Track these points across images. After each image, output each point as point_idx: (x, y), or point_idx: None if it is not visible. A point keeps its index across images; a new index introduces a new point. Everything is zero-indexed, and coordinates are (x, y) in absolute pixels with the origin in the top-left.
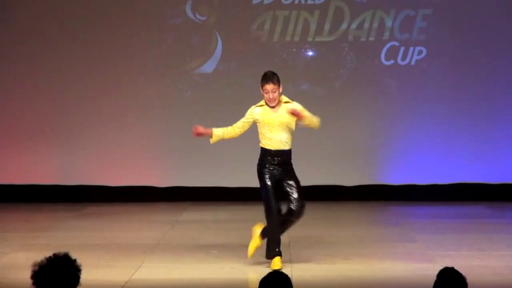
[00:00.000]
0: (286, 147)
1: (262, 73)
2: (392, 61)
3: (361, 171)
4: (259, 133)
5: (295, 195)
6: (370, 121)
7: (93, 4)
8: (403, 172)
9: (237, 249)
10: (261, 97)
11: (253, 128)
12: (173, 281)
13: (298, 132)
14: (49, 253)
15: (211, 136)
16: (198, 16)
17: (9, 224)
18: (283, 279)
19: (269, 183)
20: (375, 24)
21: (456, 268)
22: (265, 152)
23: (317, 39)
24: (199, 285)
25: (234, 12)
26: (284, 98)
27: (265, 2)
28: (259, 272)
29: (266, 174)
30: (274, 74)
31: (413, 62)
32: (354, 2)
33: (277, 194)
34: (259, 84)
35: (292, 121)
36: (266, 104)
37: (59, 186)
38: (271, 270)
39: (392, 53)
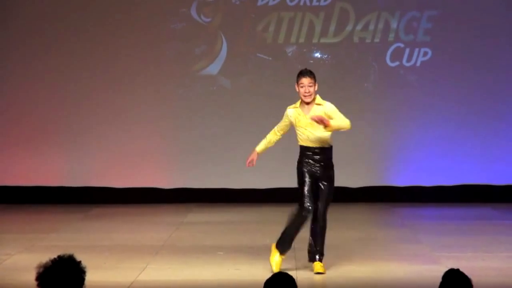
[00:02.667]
0: (324, 145)
1: (267, 75)
2: (397, 63)
3: (366, 173)
4: (296, 133)
5: (320, 202)
6: (375, 122)
7: (98, 4)
8: (408, 174)
9: (243, 250)
10: (261, 100)
11: (253, 130)
12: (178, 283)
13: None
14: (54, 255)
15: (258, 154)
16: (203, 17)
17: (14, 226)
18: (288, 280)
19: (307, 179)
20: (380, 26)
21: (461, 269)
22: (303, 149)
23: (322, 40)
24: (205, 286)
25: (239, 14)
26: (317, 99)
27: (270, 4)
28: (264, 273)
29: (305, 171)
30: (310, 71)
31: (418, 64)
32: (359, 4)
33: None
34: (264, 86)
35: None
36: (302, 100)
37: (65, 188)
38: (277, 272)
39: (397, 55)
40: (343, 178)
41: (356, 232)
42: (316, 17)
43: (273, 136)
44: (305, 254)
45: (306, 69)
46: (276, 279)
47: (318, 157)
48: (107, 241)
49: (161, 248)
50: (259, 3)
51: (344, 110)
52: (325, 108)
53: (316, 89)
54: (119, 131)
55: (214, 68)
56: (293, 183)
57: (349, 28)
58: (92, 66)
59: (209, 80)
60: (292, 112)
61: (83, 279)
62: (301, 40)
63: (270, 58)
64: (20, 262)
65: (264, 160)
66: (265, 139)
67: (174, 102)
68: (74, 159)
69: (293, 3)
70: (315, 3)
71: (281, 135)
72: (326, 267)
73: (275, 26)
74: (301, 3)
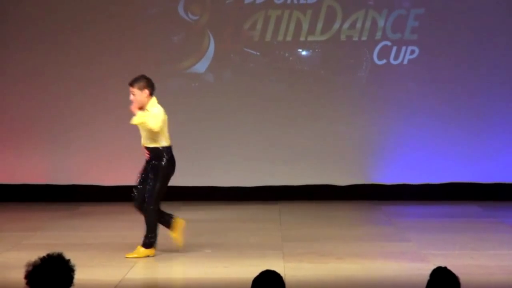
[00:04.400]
0: (150, 145)
1: (254, 73)
2: (384, 61)
3: (353, 171)
4: None
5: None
6: (362, 120)
7: (84, 1)
8: (395, 172)
9: (230, 248)
10: (248, 98)
11: (240, 128)
12: (166, 280)
13: (292, 130)
14: (42, 253)
15: None
16: (190, 15)
17: (1, 224)
18: (275, 278)
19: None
20: (368, 24)
21: (449, 267)
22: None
23: (310, 38)
24: (193, 284)
25: (226, 12)
26: (149, 104)
27: (257, 2)
28: (252, 271)
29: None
30: (139, 78)
31: (405, 62)
32: (346, 2)
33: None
34: (251, 84)
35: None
36: None
37: (51, 186)
38: (265, 269)
39: (384, 53)
40: (331, 176)
41: (343, 230)
42: (304, 15)
43: None
44: (292, 253)
45: (135, 77)
46: (264, 277)
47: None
48: (94, 239)
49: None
50: (246, 1)
51: (331, 108)
52: (151, 112)
53: (144, 95)
54: (106, 128)
55: (201, 66)
56: (278, 181)
57: (336, 26)
58: (78, 63)
59: (196, 77)
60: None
61: (72, 278)
62: (288, 38)
63: (257, 53)
64: (7, 260)
65: (251, 158)
66: None
67: (161, 100)
68: (61, 157)
69: (280, 1)
70: (302, 1)
71: None
72: (312, 264)
73: (262, 24)
74: (288, 1)
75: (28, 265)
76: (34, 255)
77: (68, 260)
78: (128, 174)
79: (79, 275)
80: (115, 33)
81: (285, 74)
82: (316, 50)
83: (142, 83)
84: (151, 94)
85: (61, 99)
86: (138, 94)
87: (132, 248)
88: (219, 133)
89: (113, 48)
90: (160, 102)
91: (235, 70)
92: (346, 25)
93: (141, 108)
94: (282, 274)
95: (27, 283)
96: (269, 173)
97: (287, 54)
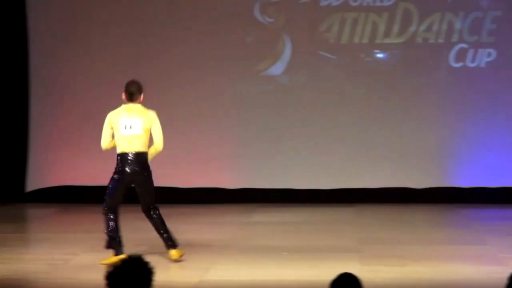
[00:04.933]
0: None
1: (330, 75)
2: (461, 63)
3: (430, 174)
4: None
5: None
6: (439, 123)
7: (160, 3)
8: (472, 174)
9: (307, 250)
10: (324, 101)
11: (317, 131)
12: (243, 282)
13: (368, 134)
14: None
15: None
16: (266, 18)
17: (80, 225)
18: (353, 281)
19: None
20: (444, 26)
21: None
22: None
23: (386, 41)
24: (270, 286)
25: (302, 14)
26: None
27: (333, 4)
28: (329, 273)
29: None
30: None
31: (482, 64)
32: (422, 4)
33: None
34: (326, 87)
35: None
36: None
37: (130, 188)
38: (343, 272)
39: (461, 55)
40: (408, 179)
41: (420, 233)
42: (380, 18)
43: None
44: (369, 256)
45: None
46: (342, 280)
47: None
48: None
49: (225, 248)
50: (322, 3)
51: (407, 110)
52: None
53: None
54: (184, 131)
55: (277, 69)
56: (355, 183)
57: (412, 28)
58: (146, 63)
59: (272, 80)
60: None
61: (150, 280)
62: (364, 40)
63: (334, 57)
64: (86, 261)
65: (327, 161)
66: None
67: (238, 103)
68: None
69: (356, 4)
70: (378, 3)
71: None
72: (390, 267)
73: (338, 27)
74: (364, 4)
75: (109, 265)
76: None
77: (147, 262)
78: (205, 177)
79: (157, 277)
80: (194, 36)
81: (361, 76)
82: (392, 52)
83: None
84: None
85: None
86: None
87: (210, 250)
88: (294, 136)
89: (191, 51)
90: (237, 104)
91: (310, 72)
92: (422, 28)
93: None
94: (358, 276)
95: (107, 284)
96: (346, 175)
97: (363, 56)
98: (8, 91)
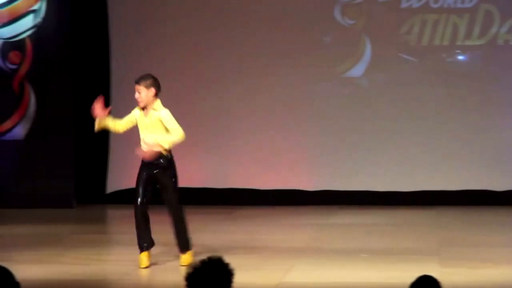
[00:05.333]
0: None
1: (411, 77)
2: None
3: (511, 176)
4: None
5: None
6: None
7: (249, 7)
8: None
9: (386, 253)
10: (405, 102)
11: (398, 132)
12: (323, 285)
13: (448, 135)
14: (199, 256)
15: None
16: (346, 20)
17: (159, 226)
18: (433, 283)
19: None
20: None
21: None
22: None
23: (467, 43)
24: None
25: (383, 16)
26: (155, 104)
27: (414, 6)
28: (409, 276)
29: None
30: (146, 76)
31: None
32: (504, 6)
33: None
34: (406, 89)
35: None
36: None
37: (208, 189)
38: (422, 275)
39: None
40: (488, 181)
41: (501, 235)
42: (460, 19)
43: (119, 123)
44: (451, 259)
45: (141, 75)
46: (422, 282)
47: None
48: (250, 242)
49: (304, 250)
50: (403, 5)
51: (488, 112)
52: (159, 114)
53: (151, 94)
54: (265, 132)
55: (358, 70)
56: (434, 186)
57: (493, 30)
58: (222, 61)
59: (352, 82)
60: (137, 112)
61: (230, 281)
62: (445, 42)
63: (414, 60)
64: (167, 262)
65: (407, 163)
66: (120, 119)
67: (317, 104)
68: (218, 160)
69: (437, 5)
70: (459, 5)
71: (124, 127)
72: (471, 270)
73: (419, 28)
74: (445, 5)
75: (189, 267)
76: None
77: (227, 264)
78: (284, 178)
79: (236, 278)
80: (276, 39)
81: (442, 78)
82: (473, 54)
83: (149, 81)
84: (156, 94)
85: (223, 105)
86: (144, 93)
87: (290, 251)
88: (374, 138)
89: (272, 53)
90: (318, 106)
91: (391, 74)
92: (503, 29)
93: (145, 107)
94: (438, 279)
95: (187, 285)
96: (425, 177)
97: (444, 58)
98: (90, 93)
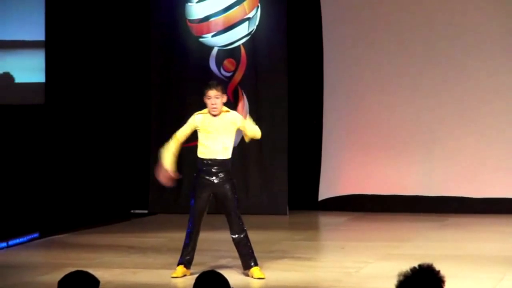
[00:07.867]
0: (225, 156)
1: None
2: None
3: None
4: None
5: None
6: None
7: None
8: None
9: None
10: None
11: None
12: None
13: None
14: (408, 264)
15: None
16: None
17: (371, 234)
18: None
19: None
20: None
21: None
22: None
23: None
24: None
25: None
26: (223, 109)
27: None
28: None
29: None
30: (217, 82)
31: None
32: None
33: None
34: None
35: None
36: (209, 112)
37: (420, 197)
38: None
39: None
40: None
41: None
42: None
43: (175, 143)
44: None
45: (213, 81)
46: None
47: (216, 168)
48: (462, 250)
49: None
50: None
51: None
52: (234, 117)
53: (224, 100)
54: (474, 140)
55: None
56: None
57: None
58: (436, 68)
59: None
60: (199, 117)
61: None
62: None
63: None
64: (375, 270)
65: None
66: (167, 151)
67: None
68: (430, 168)
69: None
70: None
71: (182, 142)
72: None
73: None
74: None
75: (399, 275)
76: (401, 266)
77: (438, 271)
78: (496, 186)
79: (447, 286)
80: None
81: None
82: None
83: (222, 88)
84: None
85: (429, 112)
86: (220, 99)
87: (497, 261)
88: None
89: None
90: None
91: None
92: None
93: (217, 114)
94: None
95: None
96: None
97: None
98: (304, 100)
